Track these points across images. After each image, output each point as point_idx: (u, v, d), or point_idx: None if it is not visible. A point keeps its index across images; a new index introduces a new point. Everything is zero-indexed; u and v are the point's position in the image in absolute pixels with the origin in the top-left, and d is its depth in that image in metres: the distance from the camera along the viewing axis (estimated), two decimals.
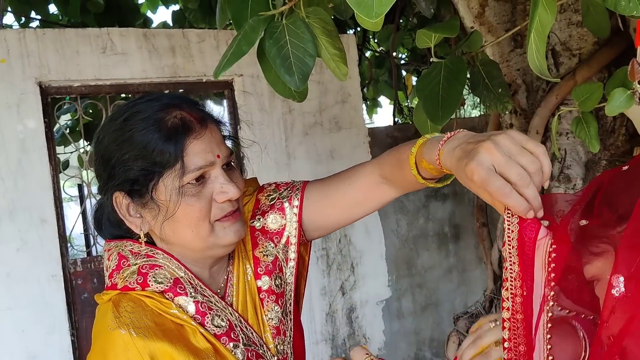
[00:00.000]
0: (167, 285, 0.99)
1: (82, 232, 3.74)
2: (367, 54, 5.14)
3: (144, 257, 1.01)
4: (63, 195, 2.96)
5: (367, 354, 0.87)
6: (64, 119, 3.73)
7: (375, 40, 5.08)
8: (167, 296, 0.98)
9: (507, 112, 2.20)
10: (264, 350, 1.06)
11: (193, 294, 1.00)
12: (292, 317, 1.17)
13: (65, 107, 3.47)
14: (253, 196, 1.19)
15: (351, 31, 4.63)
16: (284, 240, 1.15)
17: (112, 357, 0.91)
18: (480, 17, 2.21)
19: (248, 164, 3.43)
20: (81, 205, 3.79)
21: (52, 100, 2.87)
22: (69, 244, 2.91)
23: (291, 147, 3.34)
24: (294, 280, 1.17)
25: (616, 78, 1.49)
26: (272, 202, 1.17)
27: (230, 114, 3.25)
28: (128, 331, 0.92)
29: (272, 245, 1.15)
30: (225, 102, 3.32)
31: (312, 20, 1.41)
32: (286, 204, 1.16)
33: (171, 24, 4.17)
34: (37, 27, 3.66)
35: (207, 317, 1.00)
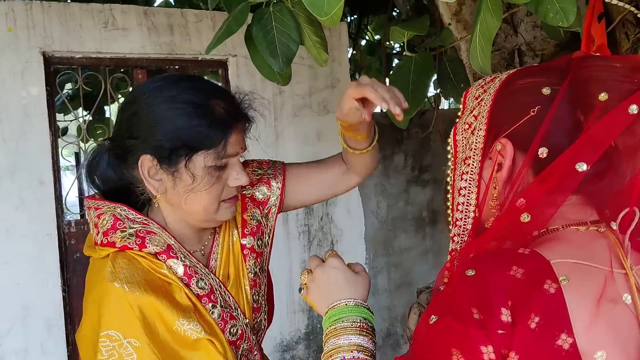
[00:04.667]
0: (161, 248, 1.12)
1: (77, 196, 3.91)
2: (364, 42, 5.29)
3: (139, 224, 1.13)
4: (61, 162, 3.13)
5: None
6: (66, 87, 3.89)
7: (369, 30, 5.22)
8: (160, 258, 1.11)
9: None
10: (238, 313, 1.20)
11: (182, 258, 1.14)
12: (266, 274, 1.35)
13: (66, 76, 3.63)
14: None
15: (348, 19, 4.78)
16: (266, 210, 1.35)
17: (106, 305, 1.04)
18: (458, 15, 2.36)
19: None
20: (77, 172, 3.97)
21: (54, 69, 3.03)
22: (64, 206, 3.08)
23: (280, 127, 3.51)
24: (270, 243, 1.36)
25: None
26: (259, 177, 1.36)
27: None
28: (122, 285, 1.04)
29: (259, 212, 1.33)
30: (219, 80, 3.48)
31: (297, 10, 1.57)
32: (272, 180, 1.37)
33: (172, 3, 4.30)
34: None
35: (193, 280, 1.13)
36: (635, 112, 0.73)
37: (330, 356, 0.96)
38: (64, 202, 3.07)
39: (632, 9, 1.49)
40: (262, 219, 1.33)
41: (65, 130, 3.76)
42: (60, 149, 3.09)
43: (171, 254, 1.13)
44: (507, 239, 0.78)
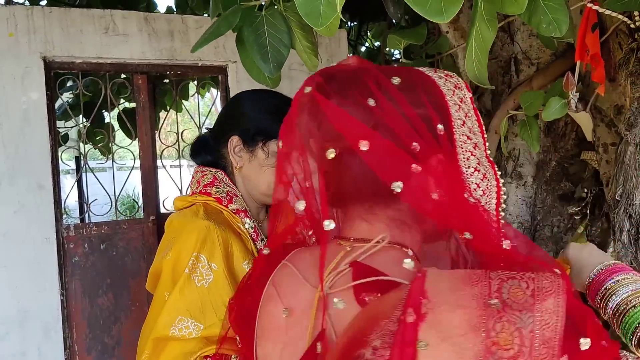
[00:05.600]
0: (241, 208, 1.47)
1: (77, 200, 3.93)
2: (363, 48, 5.30)
3: (230, 187, 1.49)
4: (61, 166, 3.14)
5: None
6: (66, 96, 3.91)
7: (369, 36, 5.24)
8: (239, 215, 1.45)
9: None
10: None
11: (254, 220, 1.49)
12: None
13: (68, 84, 3.66)
14: None
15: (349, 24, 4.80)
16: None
17: (202, 235, 1.35)
18: (455, 23, 2.38)
19: None
20: (77, 175, 3.98)
21: (54, 74, 3.04)
22: (64, 211, 3.10)
23: None
24: None
25: (555, 88, 1.67)
26: None
27: (222, 97, 3.43)
28: (214, 223, 1.37)
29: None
30: (218, 86, 3.50)
31: (289, 14, 1.59)
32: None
33: (174, 9, 4.32)
34: (45, 5, 3.81)
35: (259, 237, 1.47)
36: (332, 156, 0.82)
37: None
38: (63, 206, 3.08)
39: (626, 19, 1.51)
40: None
41: (65, 137, 3.78)
42: (60, 154, 3.11)
43: (247, 214, 1.47)
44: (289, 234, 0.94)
